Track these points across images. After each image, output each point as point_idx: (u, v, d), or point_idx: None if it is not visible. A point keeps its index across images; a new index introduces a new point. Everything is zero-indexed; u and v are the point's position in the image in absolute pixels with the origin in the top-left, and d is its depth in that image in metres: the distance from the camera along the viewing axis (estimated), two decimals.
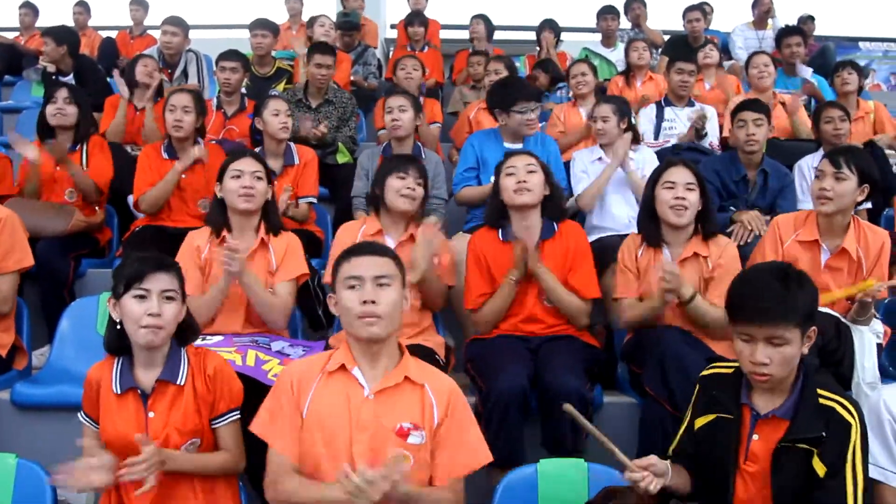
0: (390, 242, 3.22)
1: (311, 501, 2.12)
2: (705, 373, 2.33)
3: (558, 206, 3.37)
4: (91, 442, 2.32)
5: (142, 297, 2.26)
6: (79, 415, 2.40)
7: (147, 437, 2.19)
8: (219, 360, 2.43)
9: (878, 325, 3.09)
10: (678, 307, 3.04)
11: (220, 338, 2.95)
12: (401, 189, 3.26)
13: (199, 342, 2.79)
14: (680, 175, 3.11)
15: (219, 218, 3.18)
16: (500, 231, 3.28)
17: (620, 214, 4.04)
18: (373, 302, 2.13)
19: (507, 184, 3.24)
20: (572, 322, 3.21)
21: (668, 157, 3.49)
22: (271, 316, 3.06)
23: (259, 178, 3.16)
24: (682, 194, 3.07)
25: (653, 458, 2.15)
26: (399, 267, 2.24)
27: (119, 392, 2.31)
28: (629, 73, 6.12)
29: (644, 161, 4.17)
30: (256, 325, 3.12)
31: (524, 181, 3.20)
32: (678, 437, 2.35)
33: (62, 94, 4.10)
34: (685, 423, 2.33)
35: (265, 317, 3.06)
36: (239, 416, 2.39)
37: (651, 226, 3.18)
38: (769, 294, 2.07)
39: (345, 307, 2.17)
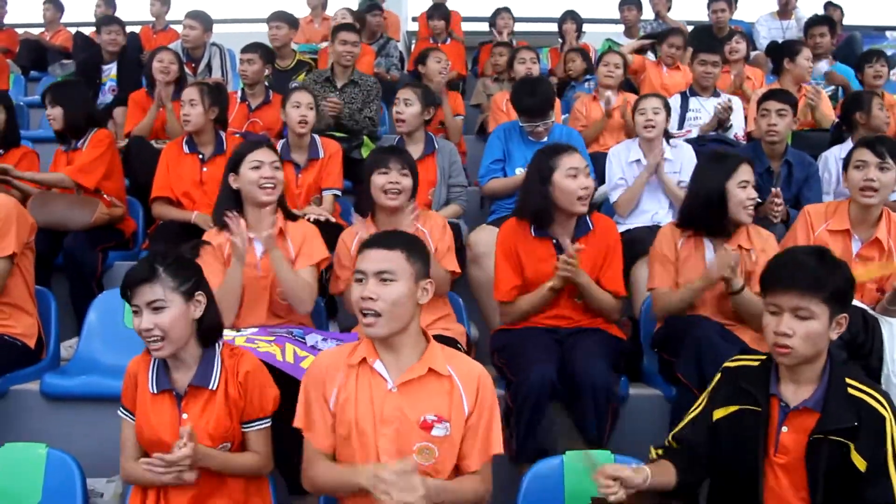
0: None
1: (334, 484, 2.16)
2: (729, 364, 2.31)
3: (591, 203, 3.31)
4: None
5: (136, 312, 2.26)
6: (119, 411, 2.41)
7: (190, 434, 2.19)
8: (253, 363, 2.39)
9: None
10: (721, 298, 3.04)
11: (255, 329, 2.94)
12: (384, 185, 3.20)
13: (235, 334, 2.81)
14: (751, 174, 3.09)
15: (232, 210, 3.07)
16: (532, 226, 3.17)
17: (649, 210, 4.05)
18: (371, 299, 2.12)
19: (572, 186, 3.05)
20: (603, 318, 3.18)
21: (734, 154, 3.38)
22: (300, 295, 3.01)
23: (277, 168, 3.13)
24: (752, 194, 3.05)
25: (626, 472, 2.12)
26: (412, 259, 2.18)
27: (155, 392, 2.32)
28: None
29: (683, 158, 4.13)
30: (282, 315, 3.12)
31: (587, 187, 3.06)
32: (684, 422, 2.33)
33: (47, 98, 4.11)
34: (697, 411, 2.31)
35: (292, 298, 3.02)
36: (270, 423, 2.39)
37: (711, 218, 3.08)
38: (801, 264, 2.10)
39: (352, 300, 2.19)
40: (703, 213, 3.10)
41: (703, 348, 2.80)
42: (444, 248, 3.26)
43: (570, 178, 3.06)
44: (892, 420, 2.05)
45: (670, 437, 2.35)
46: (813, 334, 2.06)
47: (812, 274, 2.07)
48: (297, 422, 2.22)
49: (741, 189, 3.05)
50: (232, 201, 3.14)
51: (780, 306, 2.09)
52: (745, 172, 3.07)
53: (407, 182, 3.23)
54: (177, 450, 2.16)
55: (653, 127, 4.09)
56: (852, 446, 2.04)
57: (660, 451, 2.33)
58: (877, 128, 4.31)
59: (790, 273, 2.10)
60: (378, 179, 3.21)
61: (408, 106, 4.21)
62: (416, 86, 4.41)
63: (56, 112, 4.07)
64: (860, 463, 2.03)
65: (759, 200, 3.81)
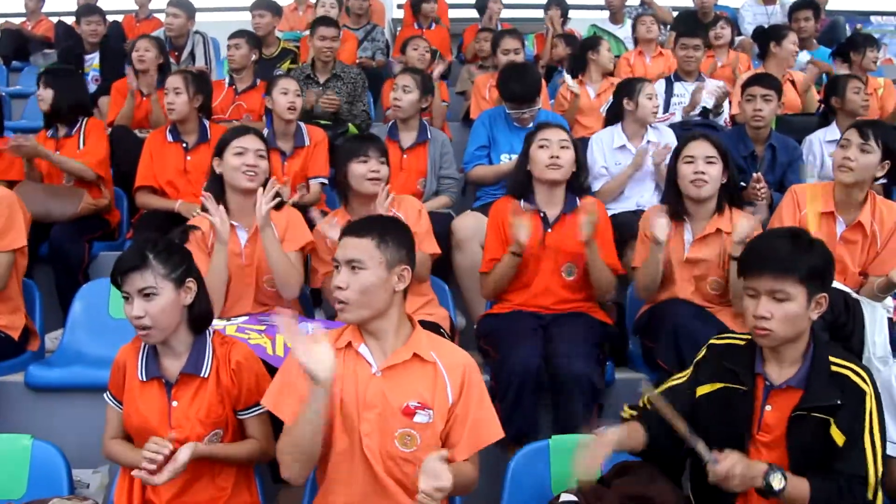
0: None
1: (292, 439, 2.11)
2: (716, 341, 2.33)
3: (581, 183, 3.36)
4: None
5: (126, 298, 2.26)
6: (105, 395, 2.41)
7: (174, 434, 2.20)
8: (244, 352, 2.39)
9: (888, 300, 3.08)
10: (700, 280, 3.05)
11: (245, 317, 2.92)
12: (366, 174, 3.19)
13: (224, 322, 2.80)
14: (699, 149, 3.09)
15: (217, 195, 3.09)
16: (521, 200, 3.26)
17: (633, 197, 4.07)
18: (340, 287, 2.13)
19: (540, 157, 3.20)
20: (599, 295, 3.22)
21: (690, 132, 3.45)
22: (288, 278, 3.00)
23: (262, 157, 3.11)
24: (701, 168, 3.06)
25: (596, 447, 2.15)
26: (383, 246, 2.16)
27: (144, 379, 2.32)
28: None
29: (665, 141, 4.12)
30: (269, 304, 3.10)
31: (557, 157, 3.17)
32: (665, 386, 2.33)
33: (42, 80, 4.09)
34: (681, 380, 2.32)
35: (281, 281, 3.00)
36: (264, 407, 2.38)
37: (674, 200, 3.16)
38: (775, 248, 2.13)
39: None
40: (668, 193, 3.22)
41: (681, 333, 2.83)
42: (423, 231, 3.24)
43: (540, 148, 3.21)
44: (873, 395, 2.07)
45: (645, 398, 2.32)
46: (791, 316, 2.08)
47: (785, 256, 2.09)
48: (270, 401, 2.22)
49: (686, 164, 3.09)
50: (217, 187, 3.13)
51: (756, 290, 2.11)
52: (692, 148, 3.11)
53: (385, 170, 3.24)
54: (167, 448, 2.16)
55: (657, 112, 4.10)
56: (832, 421, 2.06)
57: (633, 413, 2.34)
58: (852, 111, 4.37)
59: (764, 256, 2.13)
60: (359, 168, 3.20)
61: (406, 93, 4.19)
62: (416, 72, 4.39)
63: (46, 94, 4.06)
64: (839, 437, 2.04)
65: (743, 184, 3.85)
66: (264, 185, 3.05)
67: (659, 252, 3.02)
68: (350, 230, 2.21)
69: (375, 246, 2.15)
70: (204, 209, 3.04)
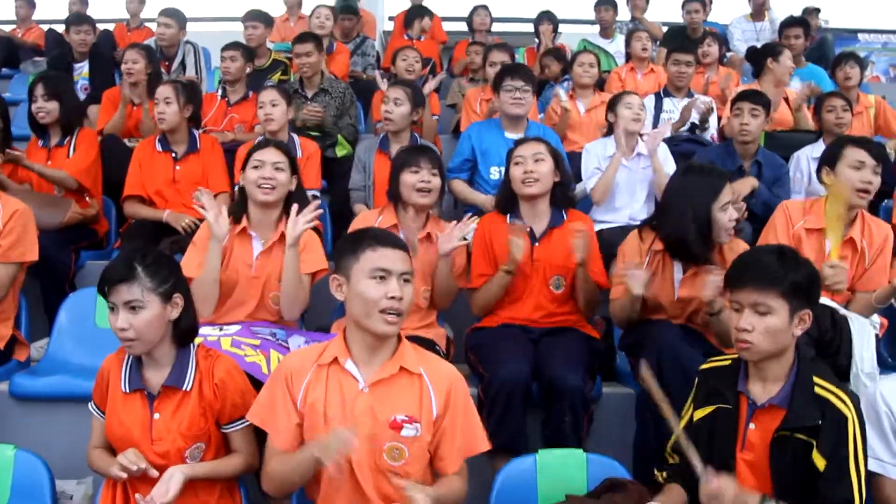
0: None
1: (289, 471, 2.13)
2: (704, 366, 2.34)
3: (567, 195, 3.37)
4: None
5: (112, 309, 2.24)
6: (89, 405, 2.40)
7: (150, 467, 2.20)
8: (228, 366, 2.37)
9: (875, 317, 3.09)
10: (691, 308, 3.02)
11: (237, 327, 2.89)
12: (416, 184, 3.21)
13: (216, 332, 2.79)
14: (731, 192, 2.94)
15: (239, 207, 3.12)
16: (508, 216, 3.29)
17: (623, 208, 4.06)
18: (399, 298, 2.11)
19: (515, 173, 3.24)
20: (586, 310, 3.22)
21: (717, 171, 3.11)
22: (294, 304, 2.97)
23: (280, 170, 3.08)
24: (735, 215, 2.92)
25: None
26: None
27: (127, 391, 2.30)
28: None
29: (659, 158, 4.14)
30: (265, 318, 3.07)
31: (531, 171, 3.20)
32: (680, 428, 2.32)
33: (39, 90, 4.03)
34: (685, 420, 2.31)
35: (287, 302, 2.96)
36: (250, 421, 2.36)
37: (693, 244, 2.89)
38: (758, 261, 2.15)
39: (366, 298, 2.10)
40: (684, 239, 2.91)
41: (664, 353, 2.79)
42: (462, 263, 3.30)
43: (515, 165, 3.26)
44: (856, 420, 2.08)
45: (669, 450, 2.36)
46: (772, 329, 2.10)
47: (768, 269, 2.12)
48: (253, 416, 2.22)
49: (723, 212, 2.89)
50: (242, 199, 3.14)
51: (740, 303, 2.14)
52: (728, 193, 2.91)
53: (437, 181, 3.26)
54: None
55: (639, 120, 4.11)
56: (815, 445, 2.06)
57: (664, 474, 2.34)
58: (829, 130, 4.42)
59: (748, 270, 2.15)
60: (409, 178, 3.22)
61: (398, 105, 4.18)
62: (407, 85, 4.39)
63: (52, 106, 4.03)
64: (820, 462, 2.05)
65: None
66: (296, 202, 3.02)
67: (637, 302, 2.95)
68: (396, 242, 2.19)
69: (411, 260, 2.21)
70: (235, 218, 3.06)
